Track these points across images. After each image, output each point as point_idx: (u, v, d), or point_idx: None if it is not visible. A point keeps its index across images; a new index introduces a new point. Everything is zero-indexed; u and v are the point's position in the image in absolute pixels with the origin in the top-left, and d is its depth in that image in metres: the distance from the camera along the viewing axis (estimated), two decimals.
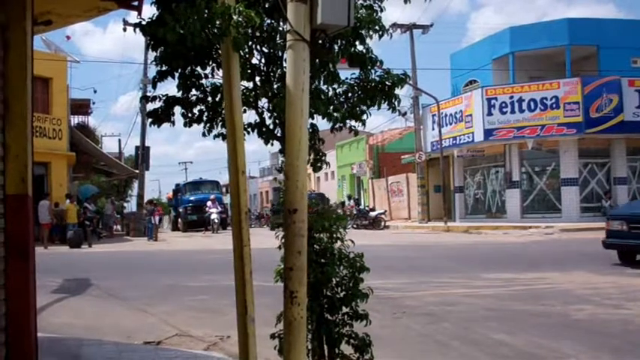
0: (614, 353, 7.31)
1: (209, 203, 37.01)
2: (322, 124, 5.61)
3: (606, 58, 31.78)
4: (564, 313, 9.70)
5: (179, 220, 42.31)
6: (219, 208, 36.49)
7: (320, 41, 4.89)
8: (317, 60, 5.06)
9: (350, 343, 5.34)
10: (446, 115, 34.39)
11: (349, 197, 41.08)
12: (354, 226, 34.58)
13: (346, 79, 5.50)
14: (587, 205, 30.33)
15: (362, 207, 39.06)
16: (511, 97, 30.45)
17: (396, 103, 5.57)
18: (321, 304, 5.25)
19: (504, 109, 30.51)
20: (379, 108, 5.64)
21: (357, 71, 5.53)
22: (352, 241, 5.42)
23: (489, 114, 30.73)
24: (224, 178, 47.18)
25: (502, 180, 32.23)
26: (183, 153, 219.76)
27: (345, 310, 5.35)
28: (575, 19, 33.30)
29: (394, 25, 35.80)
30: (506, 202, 31.79)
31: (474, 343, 7.96)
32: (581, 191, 30.25)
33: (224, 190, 41.26)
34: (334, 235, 5.33)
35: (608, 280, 12.95)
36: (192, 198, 41.28)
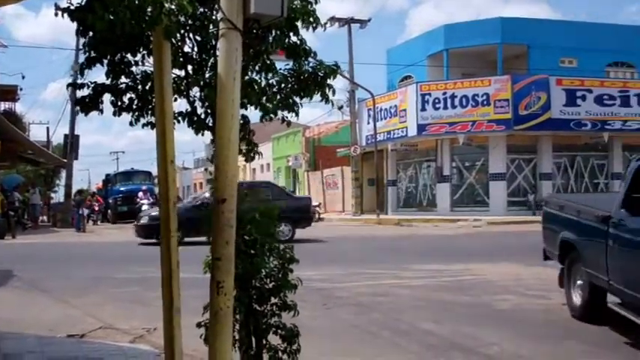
0: (536, 341, 7.54)
1: (140, 194, 36.45)
2: (255, 115, 5.61)
3: (536, 57, 32.64)
4: (489, 304, 9.96)
5: (109, 211, 41.52)
6: (151, 200, 35.97)
7: (254, 31, 4.88)
8: (251, 50, 5.04)
9: (278, 334, 5.36)
10: (381, 110, 34.71)
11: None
12: None
13: (280, 69, 5.49)
14: (514, 199, 31.11)
15: None
16: (444, 94, 30.95)
17: (329, 93, 5.58)
18: (250, 295, 5.24)
19: (437, 105, 30.98)
20: (311, 99, 5.66)
21: (291, 62, 5.53)
22: (282, 232, 5.43)
23: (423, 109, 31.17)
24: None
25: (433, 174, 32.74)
26: (116, 143, 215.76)
27: (273, 300, 5.36)
28: (508, 18, 34.06)
29: (332, 19, 35.89)
30: (437, 196, 32.31)
31: (402, 333, 8.09)
32: (509, 186, 31.01)
33: (156, 181, 40.66)
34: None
35: (532, 271, 13.30)
36: (122, 189, 40.58)
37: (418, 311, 9.46)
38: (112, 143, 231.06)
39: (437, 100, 30.92)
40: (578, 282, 8.55)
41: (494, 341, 7.56)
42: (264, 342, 5.37)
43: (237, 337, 5.32)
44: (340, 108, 38.73)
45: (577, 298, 8.61)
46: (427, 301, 10.27)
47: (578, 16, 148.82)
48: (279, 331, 5.37)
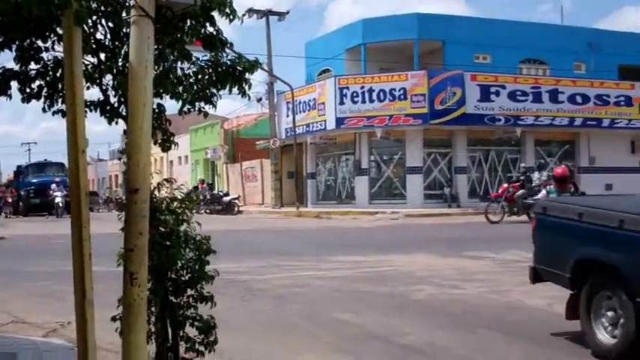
0: (451, 330, 7.71)
1: (53, 186, 35.42)
2: (172, 105, 5.53)
3: (451, 52, 33.31)
4: (406, 294, 10.13)
5: (20, 203, 40.18)
6: (64, 192, 34.97)
7: (170, 19, 4.81)
8: (168, 39, 4.97)
9: (194, 326, 5.31)
10: (300, 103, 34.75)
11: (202, 181, 40.65)
12: (207, 211, 34.31)
13: (197, 60, 5.43)
14: (430, 192, 31.71)
15: (215, 192, 38.79)
16: (362, 88, 31.21)
17: (246, 87, 5.56)
18: (166, 287, 5.18)
19: (356, 99, 31.23)
20: (230, 92, 5.62)
21: (208, 53, 5.47)
22: (198, 223, 5.38)
23: (341, 103, 31.36)
24: None
25: (352, 167, 33.03)
26: (28, 134, 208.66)
27: (190, 292, 5.31)
28: (424, 14, 34.63)
29: (250, 11, 35.69)
30: (356, 189, 32.60)
31: (320, 324, 8.15)
32: (425, 179, 31.58)
33: None
34: (180, 217, 5.27)
35: (448, 262, 13.63)
36: (35, 180, 39.34)
37: (336, 302, 9.54)
38: (23, 134, 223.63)
39: (355, 94, 31.17)
40: (609, 314, 6.45)
41: (409, 331, 7.70)
42: (180, 334, 5.32)
43: (153, 330, 5.26)
44: (259, 100, 38.69)
45: (606, 336, 6.48)
46: (345, 292, 10.36)
47: (493, 13, 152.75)
48: (196, 322, 5.33)
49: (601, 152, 33.87)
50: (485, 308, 9.02)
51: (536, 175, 25.54)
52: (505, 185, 25.23)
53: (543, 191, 10.68)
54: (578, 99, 32.74)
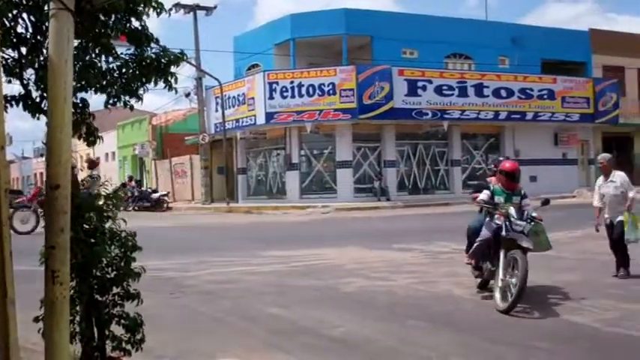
0: (380, 321, 7.82)
1: None
2: (98, 100, 5.44)
3: (379, 47, 33.60)
4: (336, 287, 10.21)
5: None
6: None
7: (93, 13, 4.72)
8: (91, 33, 4.88)
9: (121, 324, 5.25)
10: (229, 98, 34.47)
11: (130, 178, 39.94)
12: (136, 208, 33.77)
13: (121, 54, 5.36)
14: (360, 186, 31.96)
15: (144, 188, 38.19)
16: (292, 82, 31.18)
17: (172, 81, 5.53)
18: (91, 285, 5.10)
19: (285, 94, 31.18)
20: (156, 85, 5.57)
21: (133, 47, 5.41)
22: (124, 220, 5.30)
23: (271, 98, 31.26)
24: None
25: (282, 162, 33.01)
26: None
27: (115, 290, 5.24)
28: (352, 9, 34.78)
29: (177, 5, 35.21)
30: (287, 184, 32.60)
31: (250, 319, 8.14)
32: (355, 173, 31.81)
33: None
34: (105, 214, 5.19)
35: (377, 255, 13.79)
36: None
37: (266, 297, 9.54)
38: None
39: (284, 89, 31.13)
40: None
41: (339, 323, 7.77)
42: (106, 333, 5.25)
43: (78, 329, 5.17)
44: (188, 95, 38.23)
45: None
46: (276, 287, 10.37)
47: (420, 9, 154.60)
48: (123, 321, 5.26)
49: (525, 145, 34.77)
50: (413, 299, 9.17)
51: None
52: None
53: (486, 191, 9.09)
54: (503, 93, 33.51)
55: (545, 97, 34.69)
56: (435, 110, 31.76)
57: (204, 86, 36.42)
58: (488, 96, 33.08)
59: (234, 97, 34.19)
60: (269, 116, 31.26)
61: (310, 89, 30.75)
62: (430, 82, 31.82)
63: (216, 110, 35.27)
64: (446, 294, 9.36)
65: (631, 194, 9.98)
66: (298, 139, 32.07)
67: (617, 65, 39.54)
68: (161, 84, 5.55)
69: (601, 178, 10.50)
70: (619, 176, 10.25)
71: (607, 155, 10.72)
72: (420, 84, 31.56)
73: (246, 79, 34.17)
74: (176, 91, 5.70)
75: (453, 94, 32.28)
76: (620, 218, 10.08)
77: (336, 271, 11.79)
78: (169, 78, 5.46)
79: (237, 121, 33.80)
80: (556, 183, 33.48)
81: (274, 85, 31.23)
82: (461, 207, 28.08)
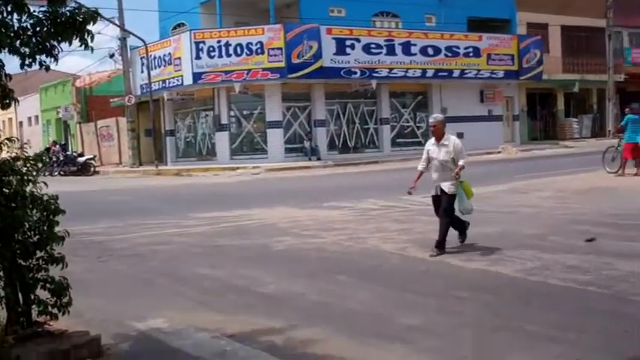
0: (310, 278, 7.94)
1: None
2: (14, 62, 5.29)
3: (307, 6, 33.37)
4: (267, 245, 10.28)
5: None
6: None
7: None
8: None
9: (46, 288, 5.19)
10: (155, 58, 33.78)
11: (55, 143, 38.93)
12: (62, 172, 33.02)
13: (34, 11, 5.21)
14: (291, 146, 31.94)
15: (69, 153, 37.29)
16: (219, 42, 30.73)
17: (88, 39, 5.41)
18: (13, 250, 5.02)
19: (212, 54, 30.73)
20: (70, 44, 5.44)
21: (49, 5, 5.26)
22: (45, 184, 5.21)
23: (198, 58, 30.78)
24: None
25: (211, 123, 32.69)
26: None
27: (39, 254, 5.17)
28: None
29: None
30: (216, 145, 32.32)
31: (180, 279, 8.15)
32: (285, 133, 31.76)
33: None
34: (25, 178, 5.09)
35: (308, 213, 13.89)
36: None
37: (197, 257, 9.55)
38: None
39: (211, 49, 30.67)
40: None
41: (270, 280, 7.86)
42: (32, 297, 5.20)
43: (2, 295, 5.10)
44: (112, 56, 37.22)
45: None
46: (206, 247, 10.38)
47: None
48: (48, 285, 5.22)
49: (452, 102, 35.28)
50: (343, 255, 9.32)
51: None
52: None
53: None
54: (430, 51, 33.82)
55: (471, 54, 35.18)
56: (363, 69, 31.86)
57: (129, 47, 35.51)
58: (415, 54, 33.34)
59: (159, 57, 33.54)
60: (196, 76, 30.82)
61: (238, 49, 30.40)
62: (358, 40, 31.85)
63: (142, 71, 34.55)
64: (374, 249, 9.53)
65: (462, 162, 9.05)
66: (227, 99, 31.76)
67: (540, 22, 40.29)
68: (77, 43, 5.44)
69: (431, 141, 9.40)
70: (452, 141, 9.21)
71: (439, 116, 9.66)
72: (348, 43, 31.56)
73: (171, 38, 33.52)
74: (92, 50, 5.57)
75: (380, 53, 32.41)
76: (447, 184, 9.08)
77: (267, 230, 11.86)
78: (85, 36, 5.34)
79: (163, 82, 33.23)
80: (482, 139, 34.18)
81: (201, 45, 30.74)
82: (390, 165, 28.51)
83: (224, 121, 31.84)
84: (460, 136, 34.95)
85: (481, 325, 5.82)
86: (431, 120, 9.46)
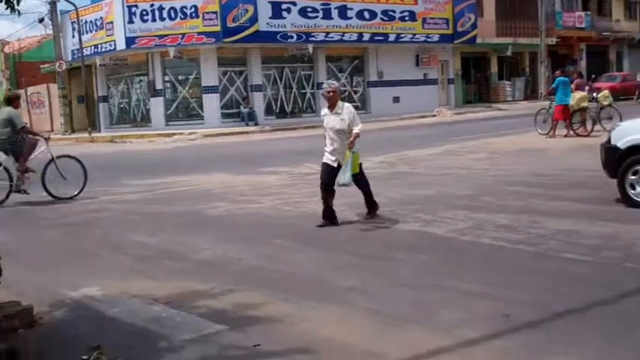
0: (246, 243, 7.93)
1: None
2: None
3: None
4: (203, 211, 10.22)
5: None
6: None
7: None
8: None
9: None
10: (86, 23, 32.91)
11: None
12: None
13: None
14: (227, 111, 31.65)
15: None
16: (152, 5, 30.05)
17: (14, 1, 5.23)
18: None
19: (145, 17, 30.08)
20: None
21: None
22: None
23: (130, 22, 30.08)
24: None
25: (146, 89, 32.10)
26: None
27: None
28: None
29: None
30: (151, 111, 31.78)
31: (114, 247, 8.06)
32: (222, 98, 31.44)
33: None
34: None
35: (245, 179, 13.85)
36: None
37: (132, 225, 9.44)
38: None
39: (145, 12, 30.00)
40: None
41: (206, 246, 7.84)
42: None
43: None
44: (41, 21, 36.10)
45: None
46: (141, 215, 10.27)
47: None
48: None
49: (388, 66, 35.45)
50: (280, 219, 9.35)
51: None
52: None
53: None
54: (366, 15, 33.79)
55: (407, 18, 35.30)
56: (299, 33, 31.66)
57: (59, 11, 34.51)
58: (351, 18, 33.27)
59: (91, 21, 32.72)
60: (129, 41, 30.17)
61: (172, 12, 29.83)
62: (294, 4, 31.58)
63: (73, 36, 33.64)
64: (310, 213, 9.56)
65: (356, 129, 8.52)
66: (161, 64, 31.20)
67: None
68: (2, 5, 5.25)
69: (325, 110, 8.92)
70: (346, 109, 8.69)
71: (334, 83, 9.14)
72: (284, 6, 31.27)
73: (103, 2, 32.59)
74: (19, 14, 5.39)
75: (317, 17, 32.25)
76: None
77: (203, 196, 11.78)
78: None
79: (95, 47, 32.44)
80: (418, 103, 34.56)
81: (134, 9, 30.05)
82: None
83: (159, 86, 31.32)
84: (397, 100, 35.29)
85: (417, 284, 5.94)
86: (325, 86, 8.85)
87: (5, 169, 11.42)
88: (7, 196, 11.39)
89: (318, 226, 8.58)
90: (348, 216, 9.22)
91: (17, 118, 11.57)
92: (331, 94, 8.68)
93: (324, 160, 8.80)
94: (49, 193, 11.81)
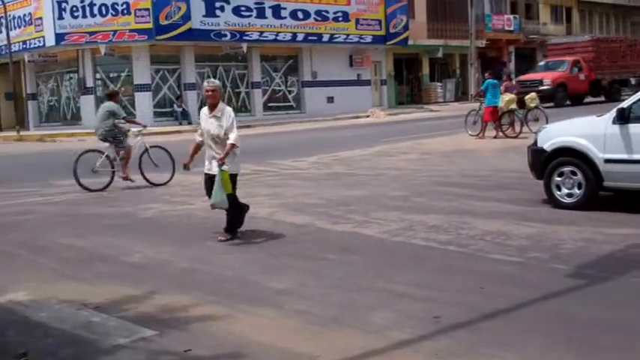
0: (177, 245, 7.86)
1: None
2: None
3: None
4: (134, 213, 10.08)
5: None
6: None
7: None
8: None
9: None
10: (14, 18, 32.08)
11: None
12: None
13: None
14: (160, 110, 31.28)
15: None
16: (82, 1, 29.46)
17: None
18: None
19: (76, 13, 29.47)
20: None
21: None
22: None
23: (60, 18, 29.44)
24: None
25: (76, 86, 31.44)
26: None
27: None
28: None
29: None
30: (82, 109, 31.15)
31: (41, 250, 7.87)
32: (154, 97, 31.04)
33: None
34: None
35: (175, 179, 13.59)
36: None
37: (60, 227, 9.23)
38: None
39: (75, 9, 29.39)
40: None
41: (137, 249, 7.72)
42: None
43: None
44: None
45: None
46: (71, 216, 10.05)
47: None
48: None
49: (322, 67, 35.61)
50: (212, 221, 9.23)
51: None
52: None
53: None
54: (300, 15, 33.88)
55: (340, 19, 35.55)
56: (233, 32, 31.56)
57: None
58: (285, 17, 33.34)
59: (19, 17, 31.91)
60: (59, 37, 29.55)
61: (103, 9, 29.33)
62: (228, 2, 31.47)
63: (0, 32, 32.69)
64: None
65: (232, 137, 7.67)
66: (92, 61, 30.62)
67: None
68: None
69: (205, 110, 8.06)
70: (226, 112, 7.83)
71: (216, 81, 8.28)
72: (217, 4, 31.13)
73: None
74: None
75: (251, 16, 32.21)
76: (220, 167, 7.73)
77: (135, 197, 11.63)
78: None
79: (24, 42, 31.67)
80: (351, 103, 34.83)
81: (64, 4, 29.45)
82: (262, 129, 28.51)
83: (89, 84, 30.74)
84: (331, 100, 35.46)
85: (349, 286, 5.98)
86: (205, 84, 8.00)
87: (107, 157, 12.75)
88: (111, 182, 12.66)
89: (219, 240, 7.86)
90: (282, 217, 9.23)
91: (119, 110, 13.17)
92: (210, 92, 7.86)
93: (204, 170, 8.11)
94: (146, 179, 12.90)
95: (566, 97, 31.70)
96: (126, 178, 12.76)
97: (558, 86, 31.17)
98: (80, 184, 12.34)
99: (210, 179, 7.95)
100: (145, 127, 13.89)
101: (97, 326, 5.18)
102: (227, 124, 7.73)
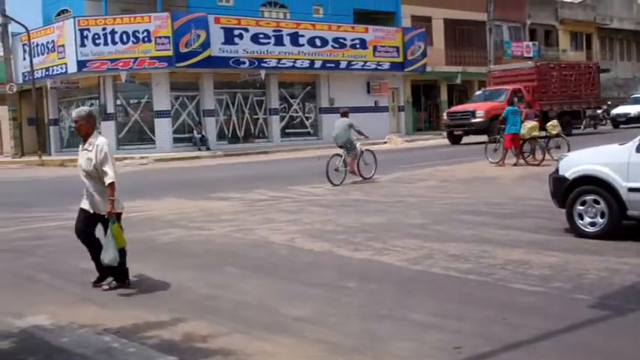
0: (197, 270, 7.86)
1: None
2: None
3: None
4: (153, 238, 10.09)
5: None
6: None
7: None
8: None
9: None
10: (38, 45, 32.57)
11: None
12: None
13: None
14: (179, 135, 31.51)
15: None
16: (104, 29, 29.92)
17: None
18: None
19: (98, 41, 29.89)
20: None
21: None
22: None
23: (82, 45, 29.85)
24: None
25: (97, 112, 31.71)
26: None
27: None
28: None
29: None
30: (102, 135, 31.22)
31: (61, 274, 7.92)
32: (174, 123, 31.28)
33: None
34: None
35: (196, 204, 13.74)
36: None
37: (79, 252, 9.16)
38: None
39: (97, 36, 29.80)
40: None
41: (154, 275, 7.71)
42: None
43: None
44: None
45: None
46: None
47: None
48: None
49: (340, 93, 35.75)
50: (231, 247, 9.28)
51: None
52: None
53: None
54: (318, 42, 34.15)
55: (358, 46, 35.78)
56: (252, 59, 31.83)
57: (10, 33, 34.06)
58: (303, 45, 33.60)
59: (43, 44, 32.36)
60: (81, 64, 29.92)
61: (124, 36, 29.71)
62: (247, 30, 31.79)
63: (24, 58, 33.20)
64: (262, 241, 9.53)
65: (108, 177, 6.85)
66: (113, 88, 30.96)
67: (424, 15, 41.43)
68: None
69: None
70: (96, 144, 6.98)
71: (83, 110, 7.25)
72: (236, 32, 31.46)
73: (55, 25, 32.39)
74: None
75: (269, 43, 32.50)
76: (102, 203, 7.02)
77: (154, 222, 11.65)
78: None
79: (47, 69, 32.08)
80: (369, 130, 34.18)
81: (86, 32, 29.84)
82: (279, 155, 28.62)
83: (110, 110, 31.05)
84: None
85: (368, 315, 5.93)
86: (74, 115, 7.18)
87: (344, 162, 16.36)
88: (343, 180, 16.10)
89: (104, 290, 7.05)
90: (300, 243, 9.21)
91: (354, 124, 16.84)
92: (76, 124, 7.07)
93: (80, 205, 7.28)
94: (361, 176, 16.76)
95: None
96: (353, 172, 16.47)
97: (493, 119, 26.30)
98: (329, 180, 15.80)
99: (81, 212, 7.22)
100: (367, 137, 17.67)
101: (117, 352, 5.17)
102: (98, 159, 6.82)
